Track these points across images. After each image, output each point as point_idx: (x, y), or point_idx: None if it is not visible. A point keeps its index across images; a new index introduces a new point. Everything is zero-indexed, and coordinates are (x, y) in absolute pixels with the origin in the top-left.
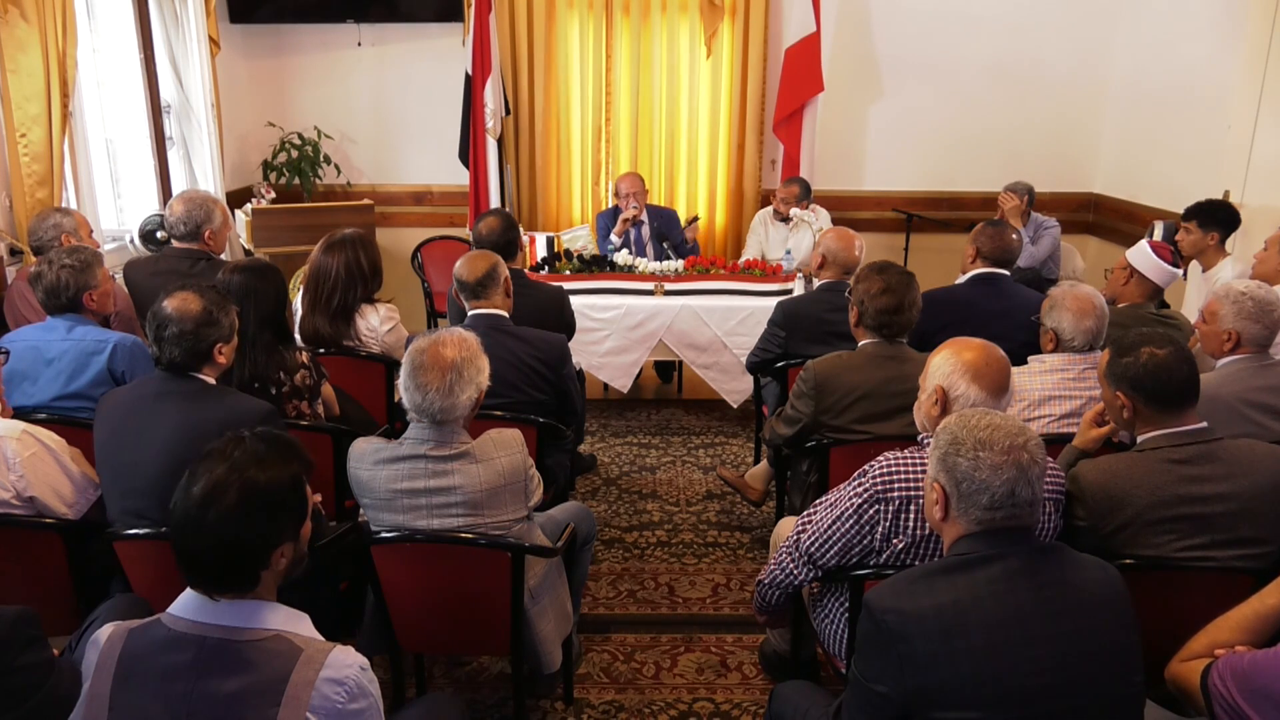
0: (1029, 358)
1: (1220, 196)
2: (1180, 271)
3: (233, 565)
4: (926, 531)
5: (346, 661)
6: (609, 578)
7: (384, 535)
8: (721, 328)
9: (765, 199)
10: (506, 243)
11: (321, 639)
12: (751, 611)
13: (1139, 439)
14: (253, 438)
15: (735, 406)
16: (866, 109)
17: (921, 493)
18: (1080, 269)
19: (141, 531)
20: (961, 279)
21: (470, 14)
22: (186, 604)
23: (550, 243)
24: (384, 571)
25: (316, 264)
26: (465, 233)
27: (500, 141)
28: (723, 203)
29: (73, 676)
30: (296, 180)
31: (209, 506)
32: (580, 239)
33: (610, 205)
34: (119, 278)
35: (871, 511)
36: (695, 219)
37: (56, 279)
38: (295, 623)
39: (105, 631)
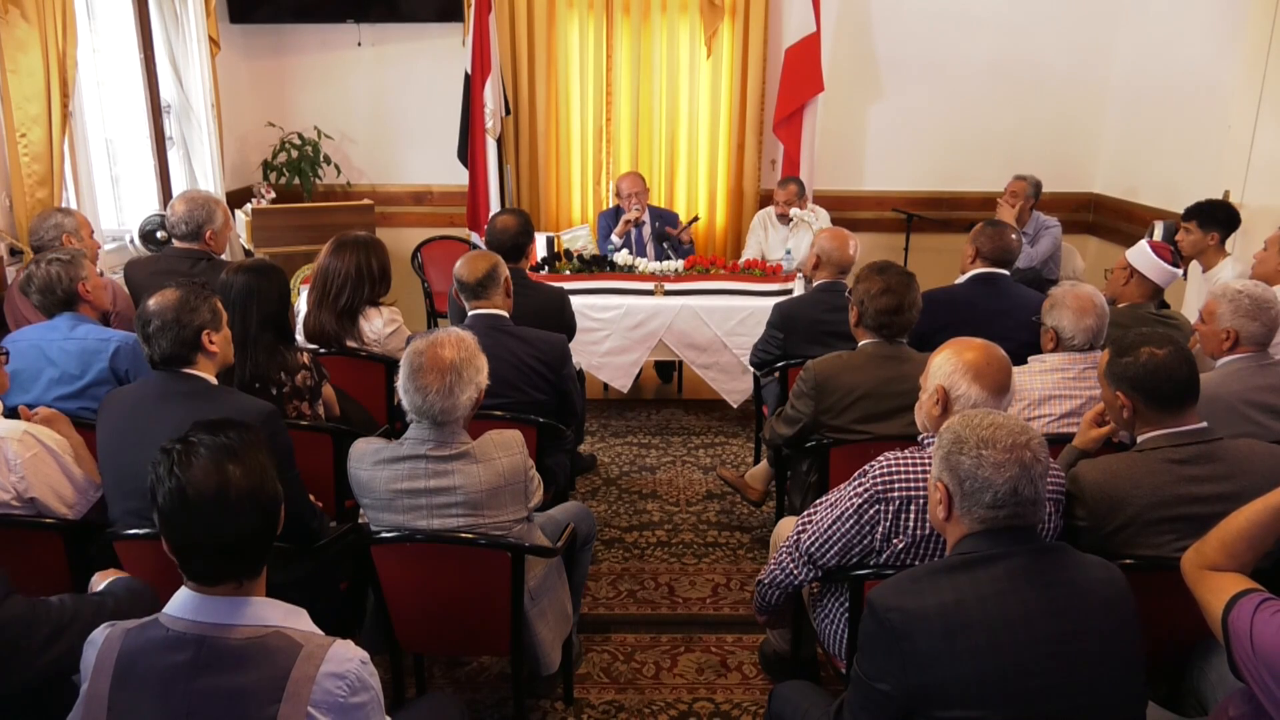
0: (1029, 357)
1: (1220, 196)
2: (1180, 271)
3: (242, 554)
4: (927, 531)
5: (347, 655)
6: (609, 578)
7: (384, 535)
8: (721, 328)
9: (765, 199)
10: (515, 245)
11: (321, 633)
12: (751, 611)
13: (1139, 439)
14: (213, 427)
15: (735, 406)
16: (866, 109)
17: (922, 493)
18: (1080, 269)
19: (141, 531)
20: (961, 279)
21: (470, 14)
22: (184, 603)
23: (550, 243)
24: (384, 572)
25: (326, 262)
26: (465, 233)
27: (500, 141)
28: (723, 203)
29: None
30: (296, 180)
31: (204, 504)
32: (580, 239)
33: (611, 205)
34: (119, 278)
35: (872, 511)
36: (695, 219)
37: (48, 274)
38: (294, 618)
39: (102, 632)
